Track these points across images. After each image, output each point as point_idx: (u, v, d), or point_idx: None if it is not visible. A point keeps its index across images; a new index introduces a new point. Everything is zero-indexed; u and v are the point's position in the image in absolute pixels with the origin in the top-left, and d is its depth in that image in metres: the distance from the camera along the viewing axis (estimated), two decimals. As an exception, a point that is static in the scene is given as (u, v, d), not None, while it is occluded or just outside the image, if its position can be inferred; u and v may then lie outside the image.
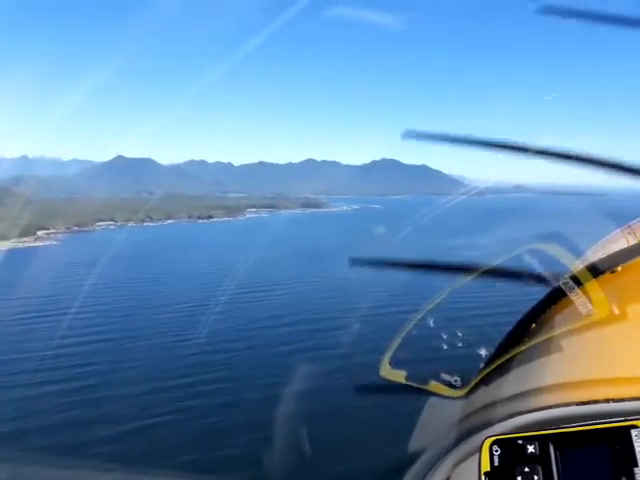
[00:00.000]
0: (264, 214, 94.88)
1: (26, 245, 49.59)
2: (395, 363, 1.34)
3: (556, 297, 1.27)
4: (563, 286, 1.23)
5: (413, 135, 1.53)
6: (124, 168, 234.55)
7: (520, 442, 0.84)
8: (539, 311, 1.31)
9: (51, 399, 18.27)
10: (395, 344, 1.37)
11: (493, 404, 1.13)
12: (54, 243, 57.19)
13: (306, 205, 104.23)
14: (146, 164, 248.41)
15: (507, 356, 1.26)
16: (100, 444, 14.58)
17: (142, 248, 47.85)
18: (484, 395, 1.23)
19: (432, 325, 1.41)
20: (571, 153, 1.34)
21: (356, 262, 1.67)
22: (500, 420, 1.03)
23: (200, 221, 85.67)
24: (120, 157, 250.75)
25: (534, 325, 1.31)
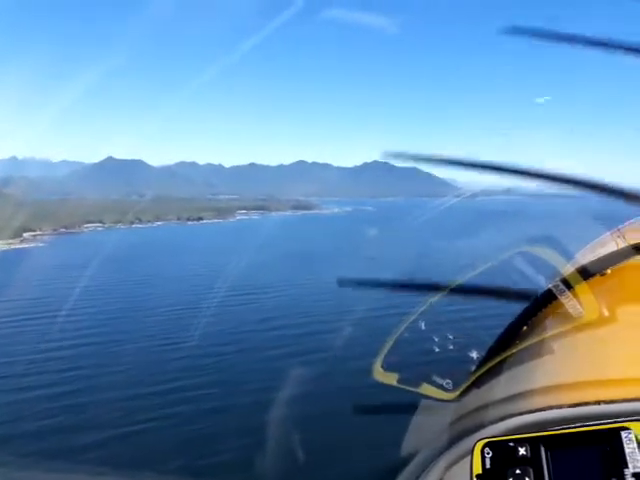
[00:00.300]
0: (254, 216, 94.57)
1: (11, 247, 48.90)
2: (387, 366, 1.34)
3: (547, 300, 1.27)
4: (554, 289, 1.24)
5: (391, 156, 1.57)
6: (114, 169, 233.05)
7: (511, 444, 0.85)
8: (530, 314, 1.31)
9: (38, 403, 17.90)
10: (387, 347, 1.37)
11: (485, 406, 1.13)
12: (40, 245, 56.18)
13: (297, 207, 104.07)
14: (137, 165, 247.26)
15: (498, 359, 1.26)
16: (89, 449, 14.35)
17: (129, 250, 47.33)
18: (476, 398, 1.23)
19: (424, 328, 1.42)
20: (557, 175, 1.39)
21: (344, 283, 1.65)
22: (492, 422, 1.02)
23: (189, 223, 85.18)
24: (110, 158, 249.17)
25: (525, 328, 1.31)
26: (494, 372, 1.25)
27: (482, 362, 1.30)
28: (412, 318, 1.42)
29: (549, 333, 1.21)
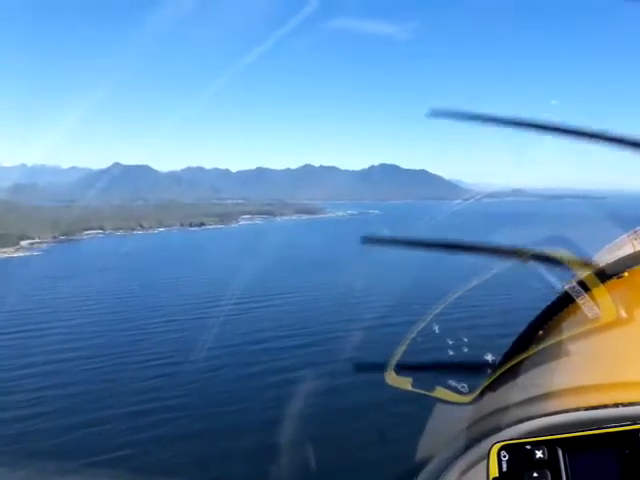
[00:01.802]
0: (258, 221, 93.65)
1: (6, 256, 47.88)
2: (400, 370, 1.33)
3: (564, 302, 1.26)
4: (570, 291, 1.22)
5: (438, 114, 1.53)
6: (121, 175, 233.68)
7: (528, 447, 0.84)
8: (547, 317, 1.29)
9: (27, 423, 17.20)
10: (400, 351, 1.36)
11: (501, 410, 1.13)
12: (35, 253, 54.87)
13: (301, 211, 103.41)
14: (143, 171, 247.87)
15: (515, 361, 1.25)
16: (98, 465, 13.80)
17: (123, 259, 46.21)
18: (492, 401, 1.22)
19: (437, 332, 1.41)
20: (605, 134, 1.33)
21: (368, 241, 1.60)
22: (508, 426, 1.02)
23: (191, 229, 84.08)
24: (117, 164, 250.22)
25: (542, 331, 1.29)
26: (510, 375, 1.23)
27: (498, 365, 1.28)
28: (425, 322, 1.40)
29: (566, 335, 1.19)
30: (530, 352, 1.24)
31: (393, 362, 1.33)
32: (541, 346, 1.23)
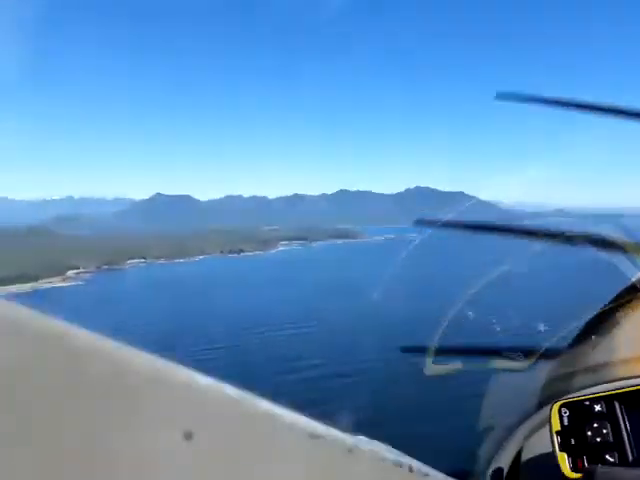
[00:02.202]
0: (295, 246, 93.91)
1: (51, 285, 49.30)
2: (440, 360, 1.31)
3: (632, 291, 1.24)
4: (637, 282, 1.22)
5: (505, 97, 1.54)
6: (163, 205, 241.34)
7: (587, 403, 0.90)
8: (616, 302, 1.25)
9: None
10: (435, 344, 1.33)
11: (562, 377, 1.14)
12: (80, 283, 56.24)
13: (337, 236, 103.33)
14: (184, 201, 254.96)
15: (576, 329, 1.25)
16: None
17: (159, 287, 46.41)
18: (551, 369, 1.22)
19: (472, 316, 1.37)
20: None
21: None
22: (570, 392, 1.02)
23: (230, 255, 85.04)
24: (159, 194, 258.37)
25: (604, 315, 1.27)
26: (572, 343, 1.24)
27: (555, 335, 1.28)
28: (457, 308, 1.37)
29: (626, 308, 1.21)
30: (590, 321, 1.24)
31: (430, 353, 1.31)
32: (599, 317, 1.23)
